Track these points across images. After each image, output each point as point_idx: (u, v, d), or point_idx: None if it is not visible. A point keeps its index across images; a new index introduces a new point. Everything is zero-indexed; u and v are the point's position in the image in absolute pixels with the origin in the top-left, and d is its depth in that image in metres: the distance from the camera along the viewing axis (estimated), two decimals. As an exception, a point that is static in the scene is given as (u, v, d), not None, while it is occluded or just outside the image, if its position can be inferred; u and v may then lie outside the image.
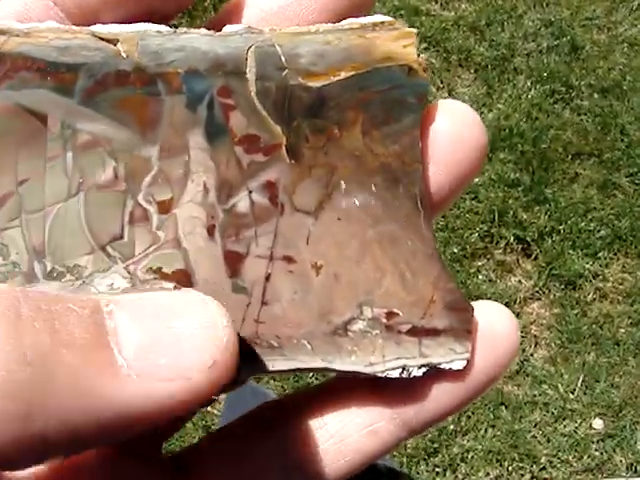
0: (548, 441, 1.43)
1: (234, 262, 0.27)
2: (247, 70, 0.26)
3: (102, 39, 0.26)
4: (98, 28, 0.26)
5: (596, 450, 1.42)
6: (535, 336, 1.53)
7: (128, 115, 0.26)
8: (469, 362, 0.28)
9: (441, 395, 0.28)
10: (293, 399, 0.31)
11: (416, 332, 0.27)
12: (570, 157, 1.72)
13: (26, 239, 0.26)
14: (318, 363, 0.27)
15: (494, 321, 0.28)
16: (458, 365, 0.28)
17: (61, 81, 0.25)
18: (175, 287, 0.26)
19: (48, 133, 0.26)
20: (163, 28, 0.26)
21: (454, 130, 0.28)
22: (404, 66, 0.27)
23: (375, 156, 0.27)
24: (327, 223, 0.27)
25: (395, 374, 0.27)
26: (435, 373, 0.28)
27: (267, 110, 0.26)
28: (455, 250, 1.59)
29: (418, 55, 0.27)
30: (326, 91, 0.27)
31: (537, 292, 1.58)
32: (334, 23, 0.27)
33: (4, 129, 0.26)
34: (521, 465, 1.41)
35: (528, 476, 1.41)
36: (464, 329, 0.28)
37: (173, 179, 0.26)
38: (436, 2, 1.94)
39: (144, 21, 0.26)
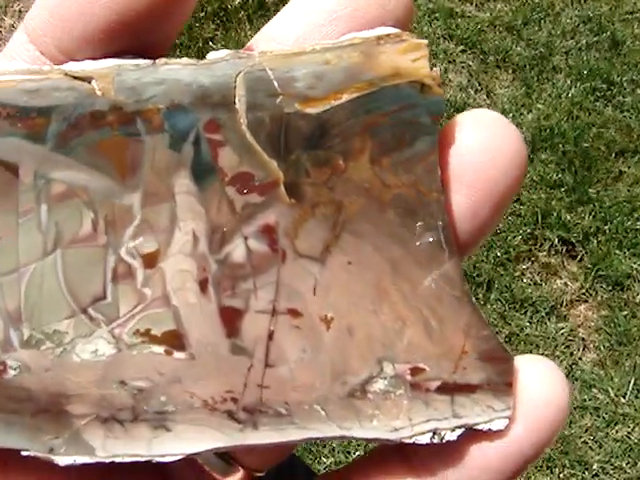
0: (600, 447, 1.39)
1: (231, 320, 0.24)
2: (236, 100, 0.23)
3: (75, 77, 0.23)
4: (71, 66, 0.23)
5: (651, 456, 1.39)
6: (583, 339, 1.50)
7: (106, 160, 0.23)
8: (511, 420, 0.24)
9: (479, 463, 0.24)
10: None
11: (447, 389, 0.24)
12: (614, 155, 1.69)
13: (0, 304, 0.23)
14: (335, 431, 0.24)
15: (539, 381, 0.24)
16: (499, 425, 0.24)
17: (32, 127, 0.23)
18: (166, 351, 0.24)
19: (20, 185, 0.23)
20: (141, 61, 0.23)
21: (484, 146, 0.24)
22: (415, 82, 0.23)
23: (387, 187, 0.24)
24: (336, 269, 0.24)
25: (425, 439, 0.24)
26: (473, 435, 0.24)
27: (261, 144, 0.23)
28: (498, 254, 1.56)
29: (431, 68, 0.24)
30: (327, 117, 0.23)
31: (584, 294, 1.54)
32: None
33: None
34: (572, 472, 1.37)
35: (580, 484, 1.38)
36: (504, 382, 0.24)
37: (158, 228, 0.24)
38: (471, 3, 1.91)
39: (136, 56, 0.24)
